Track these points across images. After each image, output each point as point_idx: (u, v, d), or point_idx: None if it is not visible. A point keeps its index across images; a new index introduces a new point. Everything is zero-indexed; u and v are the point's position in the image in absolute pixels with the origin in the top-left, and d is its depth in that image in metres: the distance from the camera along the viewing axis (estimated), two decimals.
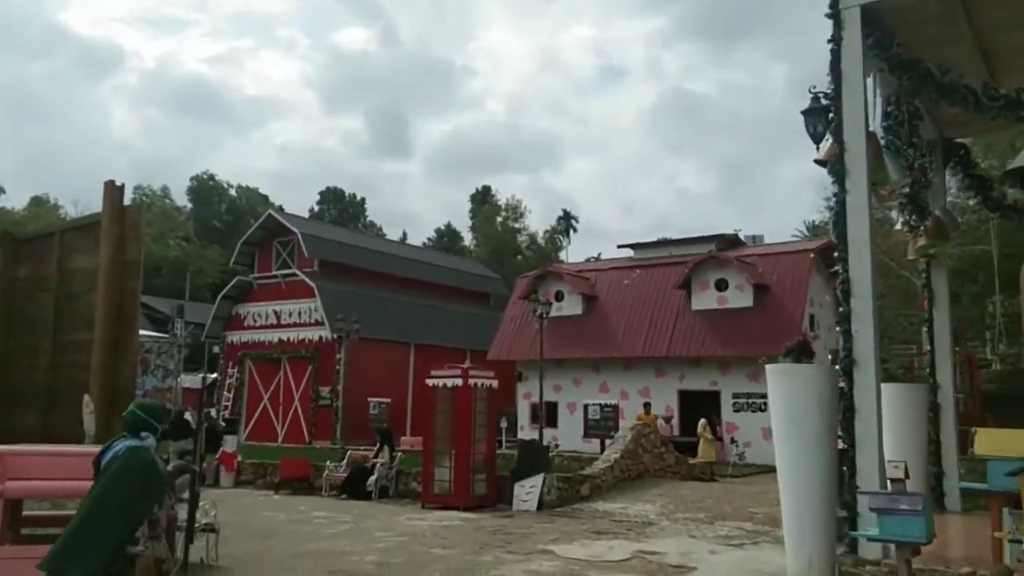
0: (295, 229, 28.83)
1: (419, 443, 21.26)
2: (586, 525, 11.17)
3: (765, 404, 21.40)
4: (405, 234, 63.91)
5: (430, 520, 11.68)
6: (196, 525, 9.13)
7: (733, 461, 18.37)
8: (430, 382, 13.52)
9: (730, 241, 27.22)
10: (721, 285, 23.34)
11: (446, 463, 13.03)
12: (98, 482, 4.31)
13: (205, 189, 65.69)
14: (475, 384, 13.27)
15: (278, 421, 28.10)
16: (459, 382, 13.14)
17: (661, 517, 11.91)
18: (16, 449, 6.14)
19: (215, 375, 29.66)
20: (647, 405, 20.28)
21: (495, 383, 13.94)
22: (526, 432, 24.34)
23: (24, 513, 6.56)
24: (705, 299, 23.44)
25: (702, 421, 17.99)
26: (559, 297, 25.47)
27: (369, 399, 25.40)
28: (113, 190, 9.19)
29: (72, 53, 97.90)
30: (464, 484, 12.76)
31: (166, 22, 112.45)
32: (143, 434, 4.34)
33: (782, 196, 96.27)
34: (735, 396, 22.01)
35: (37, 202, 57.95)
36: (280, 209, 46.61)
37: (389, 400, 26.02)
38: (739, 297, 22.96)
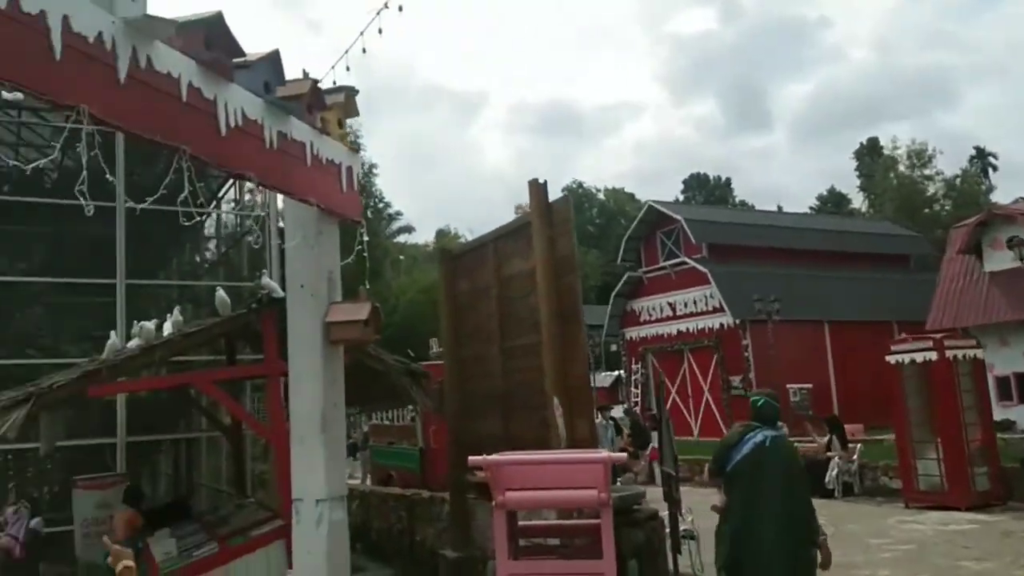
0: (678, 216, 28.04)
1: (858, 431, 18.75)
2: None
3: None
4: (780, 208, 59.79)
5: (929, 523, 9.58)
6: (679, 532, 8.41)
7: None
8: (892, 359, 11.33)
9: None
10: None
11: (931, 454, 10.74)
12: (770, 474, 4.30)
13: (576, 198, 68.92)
14: (954, 356, 10.79)
15: (689, 414, 27.39)
16: (933, 356, 10.78)
17: None
18: (508, 459, 5.77)
19: (619, 372, 30.08)
20: None
21: (979, 353, 11.26)
22: (996, 412, 20.08)
23: (520, 524, 6.22)
24: None
25: None
26: (1013, 244, 20.74)
27: (788, 386, 23.33)
28: (538, 188, 8.87)
29: (447, 103, 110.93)
30: (962, 479, 10.36)
31: (516, 59, 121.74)
32: (779, 424, 4.32)
33: None
34: None
35: (441, 234, 66.19)
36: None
37: (810, 385, 23.66)
38: None
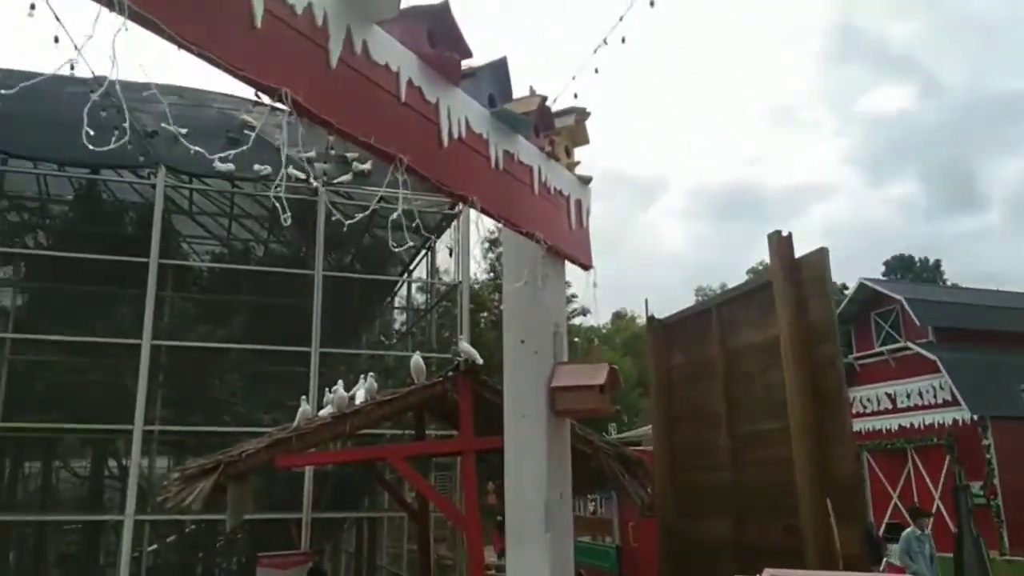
0: (897, 296, 24.99)
1: None
2: None
3: None
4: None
5: None
6: None
7: None
8: None
9: None
10: None
11: None
12: None
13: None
14: None
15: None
16: None
17: None
18: None
19: None
20: None
21: None
22: None
23: None
24: None
25: None
26: None
27: None
28: (781, 242, 7.49)
29: (625, 188, 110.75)
30: None
31: (695, 142, 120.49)
32: None
33: None
34: None
35: (617, 316, 64.72)
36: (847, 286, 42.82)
37: None
38: None
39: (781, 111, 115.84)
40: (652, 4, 4.95)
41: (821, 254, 7.14)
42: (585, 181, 4.74)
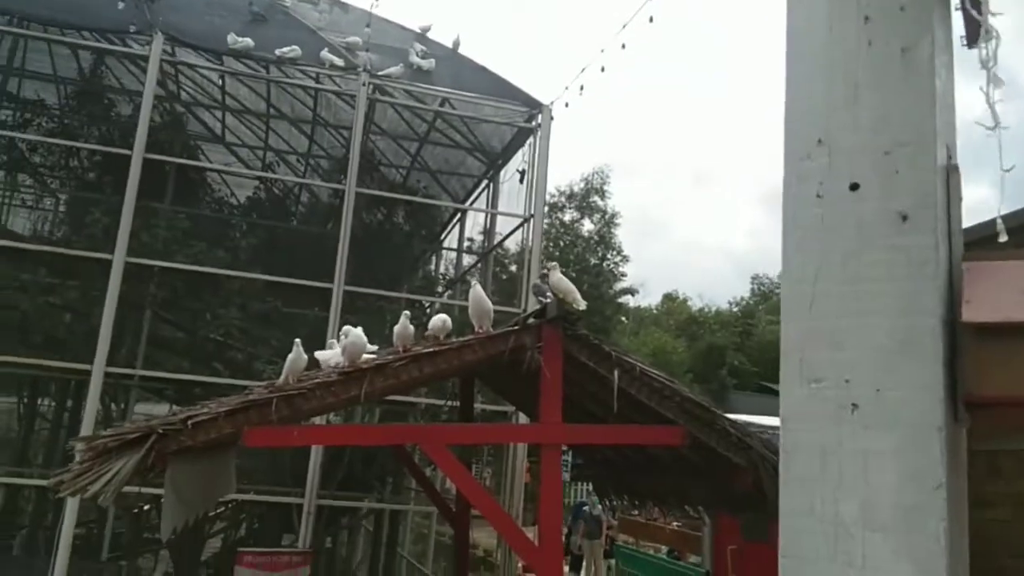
0: None
1: None
2: None
3: None
4: None
5: None
6: None
7: None
8: None
9: None
10: None
11: None
12: None
13: None
14: None
15: None
16: None
17: None
18: None
19: None
20: None
21: None
22: None
23: None
24: None
25: None
26: None
27: None
28: None
29: (684, 176, 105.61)
30: None
31: (743, 132, 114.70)
32: None
33: None
34: None
35: (668, 298, 60.94)
36: None
37: None
38: None
39: None
40: None
41: None
42: None
